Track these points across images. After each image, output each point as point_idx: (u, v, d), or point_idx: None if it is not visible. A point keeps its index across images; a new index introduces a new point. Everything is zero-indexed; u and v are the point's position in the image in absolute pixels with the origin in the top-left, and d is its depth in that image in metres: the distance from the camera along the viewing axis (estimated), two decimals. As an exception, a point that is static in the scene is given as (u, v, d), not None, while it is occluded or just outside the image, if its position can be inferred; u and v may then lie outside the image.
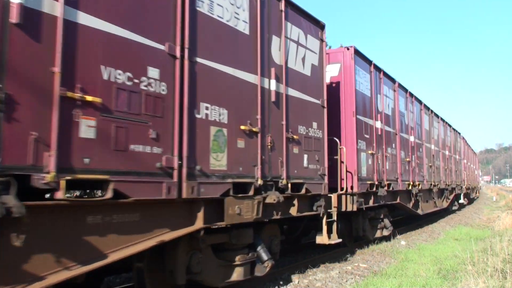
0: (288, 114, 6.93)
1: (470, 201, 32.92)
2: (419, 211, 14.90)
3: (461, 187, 24.81)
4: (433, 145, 17.79)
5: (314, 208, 7.67)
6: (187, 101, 4.98)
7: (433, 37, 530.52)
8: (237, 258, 6.03)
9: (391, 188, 11.61)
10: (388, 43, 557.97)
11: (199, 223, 5.16)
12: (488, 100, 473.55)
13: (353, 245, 10.79)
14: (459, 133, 26.30)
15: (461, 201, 25.53)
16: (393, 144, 12.28)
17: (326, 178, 7.92)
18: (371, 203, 10.31)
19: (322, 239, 7.94)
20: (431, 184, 16.81)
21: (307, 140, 7.45)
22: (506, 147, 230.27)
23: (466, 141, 30.31)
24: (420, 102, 16.14)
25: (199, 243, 5.41)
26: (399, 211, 16.26)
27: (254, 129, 6.05)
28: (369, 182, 10.04)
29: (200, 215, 5.17)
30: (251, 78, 6.15)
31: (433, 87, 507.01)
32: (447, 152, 20.91)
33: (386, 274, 7.74)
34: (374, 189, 10.39)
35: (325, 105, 8.07)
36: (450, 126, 22.70)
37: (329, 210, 8.08)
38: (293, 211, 7.06)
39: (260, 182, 6.09)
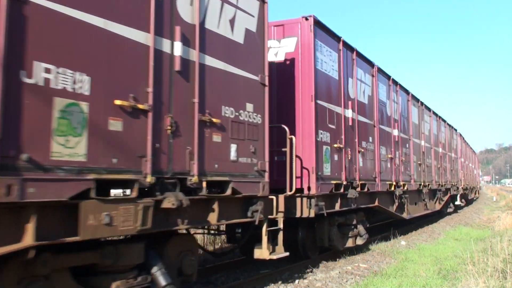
0: (203, 89, 5.24)
1: (468, 202, 31.15)
2: (404, 215, 13.17)
3: (457, 187, 23.04)
4: (423, 141, 16.06)
5: (249, 213, 5.98)
6: (3, 57, 3.30)
7: (433, 37, 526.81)
8: (114, 284, 4.34)
9: (365, 189, 9.90)
10: (388, 43, 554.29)
11: (27, 240, 3.48)
12: (488, 100, 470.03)
13: (318, 257, 9.09)
14: (455, 130, 24.52)
15: (458, 202, 23.74)
16: (370, 138, 10.56)
17: (266, 175, 6.24)
18: (337, 207, 8.60)
19: (261, 253, 6.25)
20: (420, 185, 15.08)
21: (237, 126, 5.77)
22: (506, 147, 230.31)
23: (464, 138, 28.50)
24: (407, 92, 14.40)
25: (40, 268, 3.73)
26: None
27: (140, 106, 4.37)
28: (334, 182, 8.33)
29: (30, 227, 3.49)
30: (139, 36, 4.46)
31: (433, 87, 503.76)
32: (440, 149, 19.17)
33: (386, 274, 7.70)
34: (342, 190, 8.68)
35: (267, 82, 6.38)
36: (444, 121, 20.96)
37: (271, 216, 6.38)
38: (213, 218, 5.37)
39: (150, 179, 4.40)
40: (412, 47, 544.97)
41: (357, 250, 10.34)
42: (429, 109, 17.69)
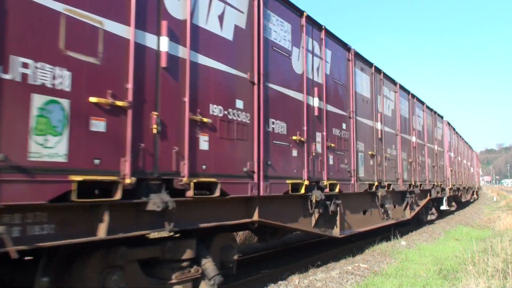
0: None
1: (462, 204, 26.40)
2: (335, 231, 8.57)
3: (443, 188, 18.34)
4: (380, 123, 11.37)
5: None
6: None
7: (433, 37, 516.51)
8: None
9: (216, 193, 5.33)
10: (388, 43, 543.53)
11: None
12: (488, 100, 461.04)
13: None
14: (441, 116, 19.72)
15: (444, 207, 19.02)
16: (240, 103, 5.95)
17: None
18: (102, 232, 4.01)
19: None
20: (372, 185, 10.47)
21: None
22: (506, 147, 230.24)
23: (454, 129, 23.62)
24: (346, 47, 9.53)
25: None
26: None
27: None
28: (78, 178, 3.75)
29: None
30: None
31: (434, 87, 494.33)
32: (414, 139, 14.50)
33: (387, 274, 7.75)
34: (119, 195, 4.09)
35: None
36: (422, 103, 16.25)
37: None
38: None
39: None
40: (412, 47, 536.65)
41: (357, 250, 10.25)
42: (394, 83, 12.98)
